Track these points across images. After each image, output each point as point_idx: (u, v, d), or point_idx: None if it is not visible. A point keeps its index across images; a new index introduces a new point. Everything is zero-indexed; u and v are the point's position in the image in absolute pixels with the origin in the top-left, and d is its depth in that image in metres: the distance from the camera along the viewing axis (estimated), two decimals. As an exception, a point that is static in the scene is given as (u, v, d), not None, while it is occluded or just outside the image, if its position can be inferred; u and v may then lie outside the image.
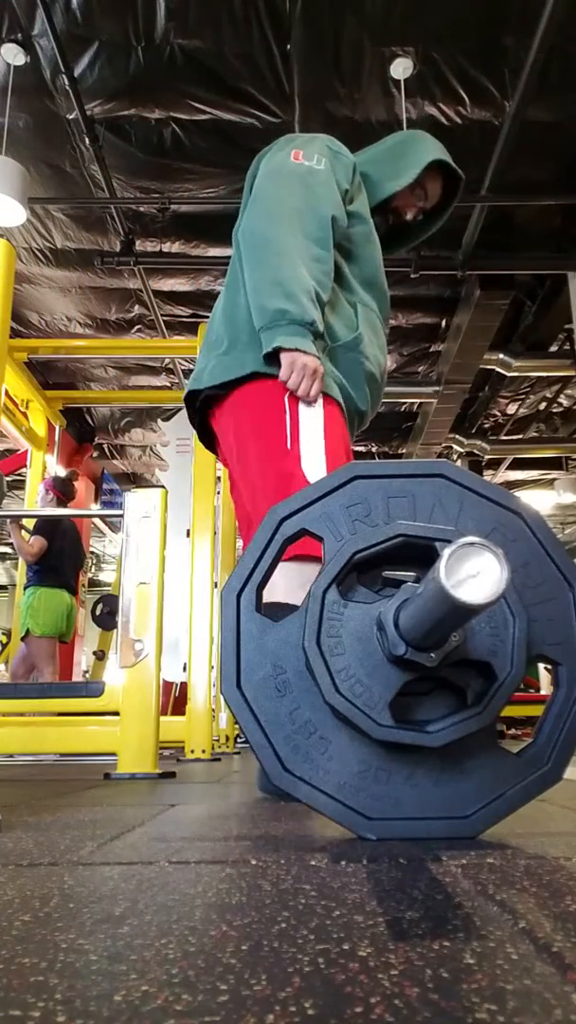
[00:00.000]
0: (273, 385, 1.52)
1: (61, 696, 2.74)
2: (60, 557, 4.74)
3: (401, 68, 3.78)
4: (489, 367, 6.55)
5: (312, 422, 1.50)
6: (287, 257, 1.48)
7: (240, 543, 7.94)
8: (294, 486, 1.33)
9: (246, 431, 1.56)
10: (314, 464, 1.46)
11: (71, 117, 4.12)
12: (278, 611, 0.91)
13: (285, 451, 1.48)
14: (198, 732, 3.30)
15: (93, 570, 12.92)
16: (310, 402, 1.50)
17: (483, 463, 8.75)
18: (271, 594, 1.30)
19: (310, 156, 1.59)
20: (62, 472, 5.38)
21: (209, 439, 1.76)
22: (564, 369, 6.41)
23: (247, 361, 1.55)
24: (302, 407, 1.51)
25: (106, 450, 8.81)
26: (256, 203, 1.58)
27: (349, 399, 1.64)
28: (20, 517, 4.92)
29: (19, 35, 3.66)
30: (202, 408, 1.68)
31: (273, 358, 1.49)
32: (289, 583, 1.33)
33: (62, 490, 4.89)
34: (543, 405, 7.73)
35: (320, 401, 1.52)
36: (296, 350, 1.45)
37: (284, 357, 1.47)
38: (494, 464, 9.03)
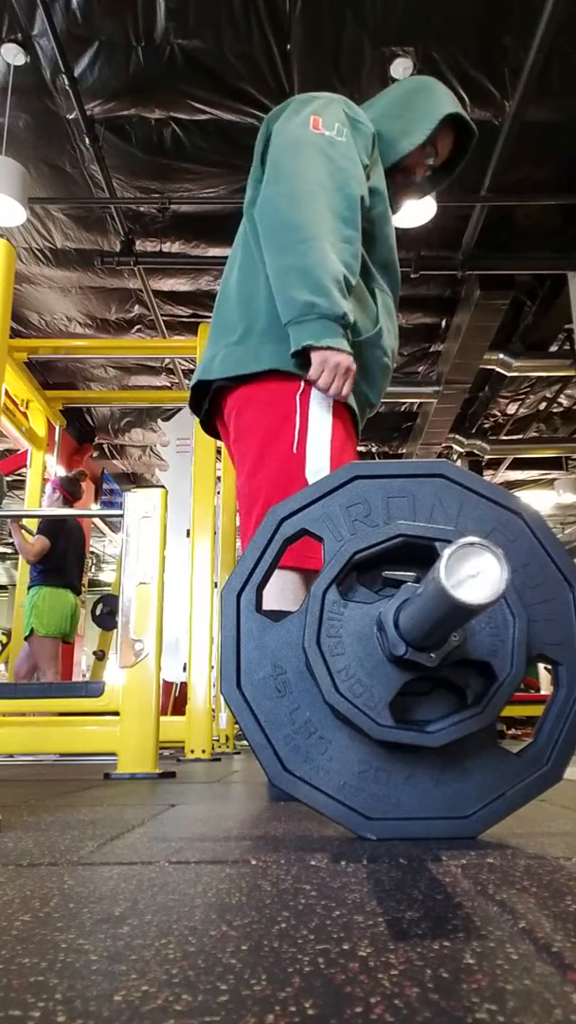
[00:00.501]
0: (286, 387, 1.48)
1: (61, 696, 2.74)
2: (64, 557, 4.74)
3: (401, 68, 3.78)
4: (489, 367, 6.55)
5: (321, 429, 1.47)
6: (315, 242, 1.38)
7: (241, 543, 7.92)
8: (293, 490, 1.32)
9: (253, 432, 1.51)
10: (318, 472, 1.43)
11: (71, 117, 4.12)
12: (275, 613, 0.91)
13: (290, 455, 1.45)
14: (198, 732, 3.30)
15: (93, 570, 12.92)
16: (342, 398, 1.46)
17: (483, 463, 8.75)
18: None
19: (330, 125, 1.48)
20: (63, 472, 5.39)
21: (213, 428, 1.71)
22: (564, 369, 6.40)
23: (263, 355, 1.48)
24: (312, 413, 1.47)
25: (106, 450, 8.81)
26: (277, 180, 1.45)
27: (364, 396, 1.60)
28: (20, 517, 4.92)
29: (19, 35, 3.66)
30: (213, 397, 1.61)
31: (301, 354, 1.42)
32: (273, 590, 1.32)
33: (70, 490, 4.89)
34: (543, 405, 7.73)
35: (331, 406, 1.48)
36: (328, 348, 1.38)
37: (315, 356, 1.39)
38: (494, 464, 9.03)
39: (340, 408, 1.52)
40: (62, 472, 5.35)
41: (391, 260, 1.65)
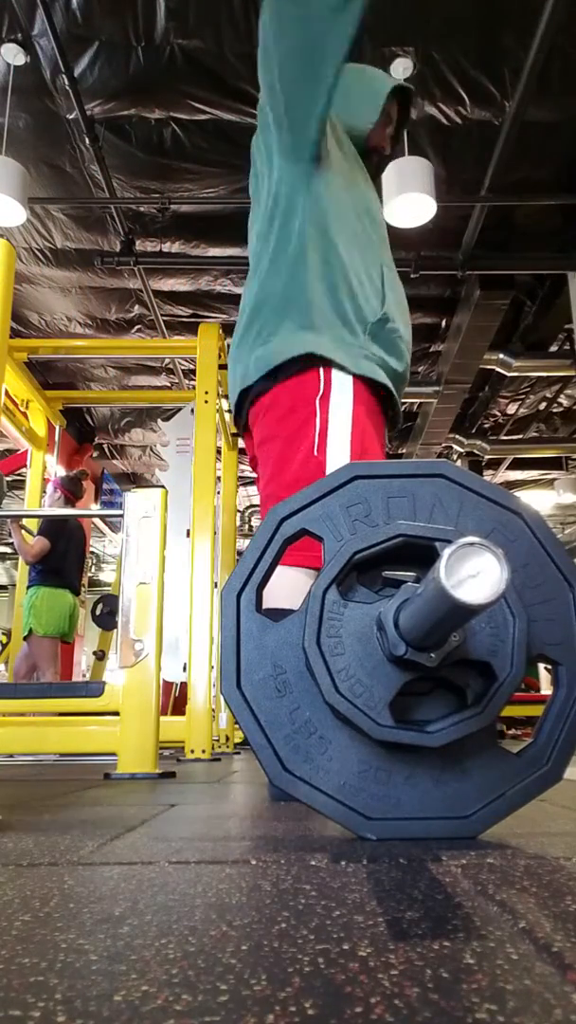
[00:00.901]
0: (307, 384, 1.49)
1: (61, 696, 2.74)
2: (64, 558, 4.74)
3: (401, 68, 3.78)
4: (489, 367, 6.55)
5: (341, 430, 1.47)
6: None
7: (240, 543, 7.90)
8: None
9: (275, 436, 1.52)
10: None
11: (71, 117, 4.12)
12: (277, 612, 0.91)
13: (310, 458, 1.46)
14: (198, 732, 3.30)
15: (93, 570, 12.92)
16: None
17: (483, 463, 8.75)
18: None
19: None
20: (63, 471, 5.39)
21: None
22: (564, 369, 6.41)
23: (282, 342, 1.50)
24: (332, 414, 1.47)
25: (106, 450, 8.81)
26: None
27: (392, 371, 1.60)
28: (20, 517, 4.91)
29: (19, 35, 3.66)
30: (242, 406, 1.64)
31: None
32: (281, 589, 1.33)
33: (71, 489, 4.89)
34: (543, 405, 7.73)
35: (352, 400, 1.49)
36: None
37: None
38: (494, 464, 9.03)
39: (363, 395, 1.52)
40: (62, 472, 5.35)
41: (383, 234, 1.69)
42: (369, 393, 1.56)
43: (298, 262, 1.54)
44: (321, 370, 1.51)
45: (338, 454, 1.46)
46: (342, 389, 1.51)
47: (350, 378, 1.52)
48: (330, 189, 1.56)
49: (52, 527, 4.67)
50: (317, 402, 1.49)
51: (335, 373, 1.51)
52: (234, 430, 5.23)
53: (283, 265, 1.55)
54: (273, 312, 1.55)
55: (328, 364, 1.50)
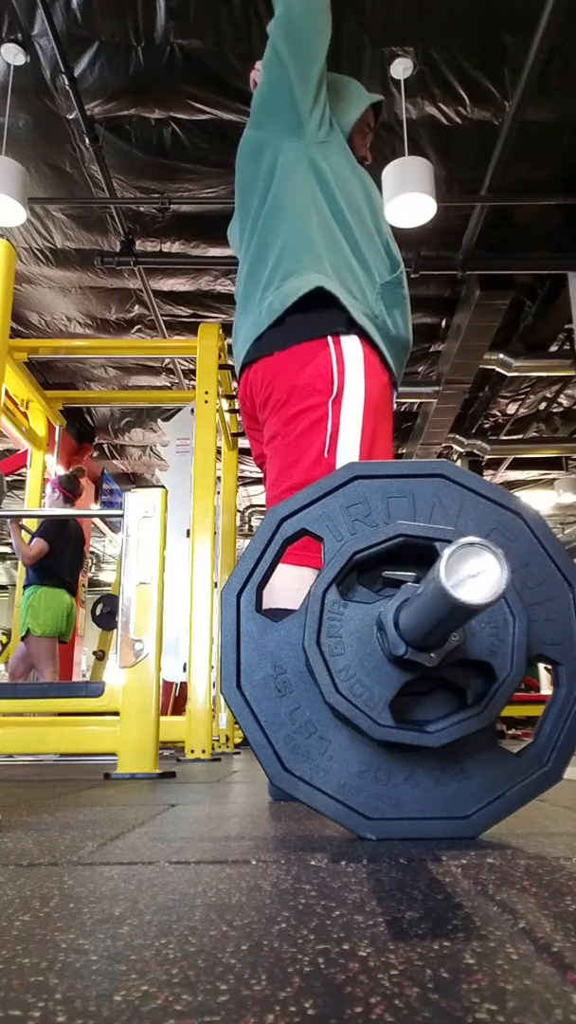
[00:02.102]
0: (315, 356, 1.50)
1: (61, 696, 2.74)
2: (61, 557, 4.74)
3: (401, 68, 3.78)
4: (489, 367, 6.55)
5: (352, 431, 1.48)
6: None
7: (240, 543, 7.90)
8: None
9: (285, 434, 1.51)
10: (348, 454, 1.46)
11: (71, 117, 4.12)
12: (278, 612, 0.91)
13: (320, 460, 1.46)
14: (198, 732, 3.30)
15: (93, 570, 12.92)
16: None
17: (483, 463, 8.75)
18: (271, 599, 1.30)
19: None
20: (62, 471, 5.39)
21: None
22: (564, 369, 6.41)
23: (278, 299, 1.52)
24: (344, 412, 1.48)
25: (106, 450, 8.81)
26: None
27: (396, 336, 1.62)
28: (20, 517, 4.91)
29: (19, 35, 3.66)
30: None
31: None
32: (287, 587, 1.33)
33: (69, 488, 4.89)
34: (543, 405, 7.73)
35: (362, 388, 1.50)
36: None
37: None
38: (494, 464, 9.03)
39: (375, 366, 1.53)
40: (62, 472, 5.35)
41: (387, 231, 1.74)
42: (380, 364, 1.56)
43: (303, 216, 1.58)
44: (330, 338, 1.51)
45: (348, 457, 1.46)
46: (354, 364, 1.50)
47: (360, 349, 1.52)
48: (332, 161, 1.63)
49: (50, 528, 4.67)
50: (330, 405, 1.48)
51: (344, 341, 1.51)
52: (234, 430, 5.23)
53: (286, 220, 1.59)
54: (278, 261, 1.57)
55: (335, 331, 1.51)
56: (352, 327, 1.52)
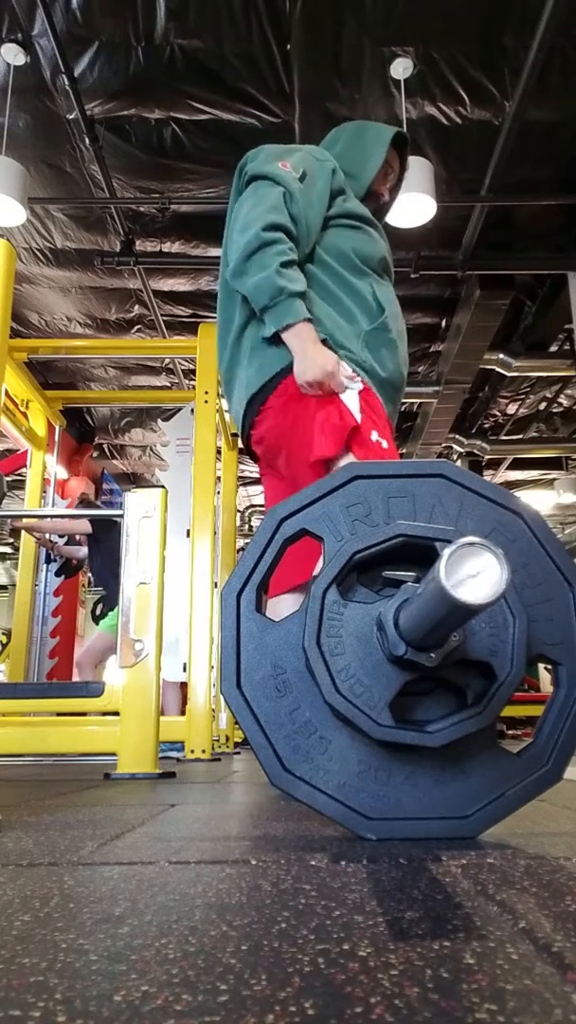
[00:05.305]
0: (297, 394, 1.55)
1: (61, 696, 2.74)
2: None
3: (401, 68, 3.78)
4: (489, 367, 6.55)
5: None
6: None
7: (240, 542, 7.91)
8: None
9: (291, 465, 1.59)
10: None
11: (71, 117, 4.12)
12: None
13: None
14: (198, 732, 3.30)
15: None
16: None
17: (483, 463, 8.75)
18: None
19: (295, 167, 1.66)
20: (63, 472, 5.40)
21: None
22: (564, 369, 6.40)
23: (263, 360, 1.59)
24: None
25: (106, 450, 8.80)
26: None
27: (390, 378, 1.66)
28: (20, 517, 4.92)
29: (19, 35, 3.66)
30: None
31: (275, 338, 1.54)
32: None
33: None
34: (543, 405, 7.73)
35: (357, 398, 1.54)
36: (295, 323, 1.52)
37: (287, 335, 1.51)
38: (494, 464, 9.03)
39: (371, 399, 1.58)
40: (63, 473, 5.36)
41: (387, 266, 1.79)
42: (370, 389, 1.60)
43: None
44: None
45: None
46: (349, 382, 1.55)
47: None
48: (324, 244, 1.67)
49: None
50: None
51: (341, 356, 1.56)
52: (234, 430, 5.23)
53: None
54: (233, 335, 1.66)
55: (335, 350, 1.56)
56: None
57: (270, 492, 1.80)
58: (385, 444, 1.55)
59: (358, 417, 1.51)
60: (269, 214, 1.53)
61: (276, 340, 1.54)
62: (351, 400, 1.53)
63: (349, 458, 1.50)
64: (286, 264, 1.52)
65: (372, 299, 1.66)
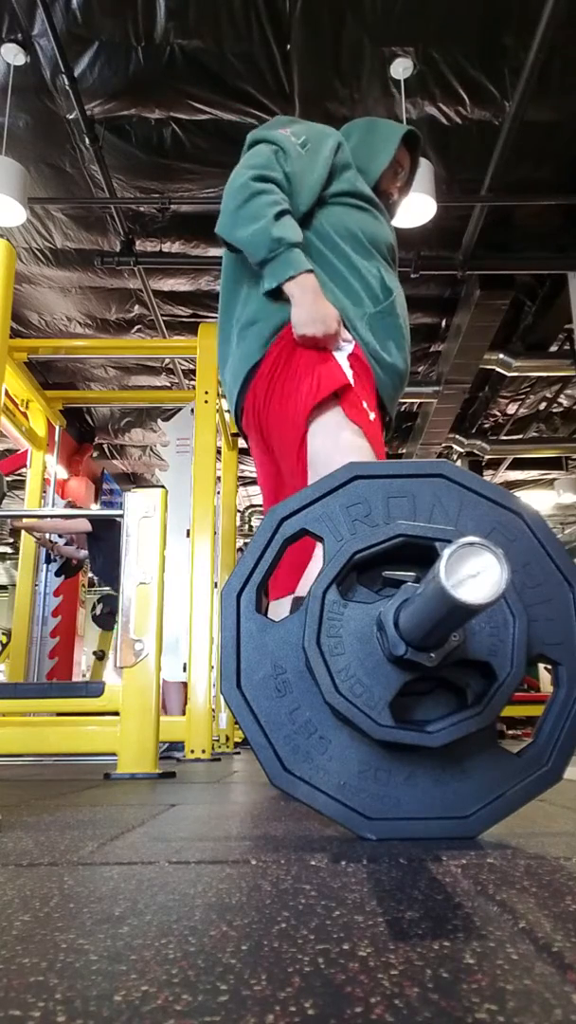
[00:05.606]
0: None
1: (61, 696, 2.74)
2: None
3: (401, 68, 3.78)
4: (489, 367, 6.55)
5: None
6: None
7: (240, 542, 7.88)
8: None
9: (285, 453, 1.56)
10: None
11: (71, 117, 4.12)
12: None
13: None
14: (198, 732, 3.30)
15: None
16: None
17: (483, 463, 8.75)
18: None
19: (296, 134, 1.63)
20: (63, 472, 5.40)
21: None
22: (564, 369, 6.40)
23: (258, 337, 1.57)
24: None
25: (106, 450, 8.80)
26: None
27: (391, 365, 1.62)
28: (20, 517, 4.92)
29: (19, 35, 3.66)
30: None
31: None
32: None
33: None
34: (543, 405, 7.73)
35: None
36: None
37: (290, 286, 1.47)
38: (494, 464, 9.03)
39: (361, 366, 1.55)
40: (63, 473, 5.36)
41: (395, 254, 1.74)
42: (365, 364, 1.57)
43: None
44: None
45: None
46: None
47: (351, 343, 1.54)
48: (330, 220, 1.62)
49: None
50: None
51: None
52: (234, 430, 5.23)
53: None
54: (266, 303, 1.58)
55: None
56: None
57: (260, 471, 1.75)
58: (372, 416, 1.51)
59: (350, 377, 1.48)
60: (259, 168, 1.50)
61: (276, 295, 1.50)
62: (341, 360, 1.50)
63: (337, 413, 1.46)
64: (281, 214, 1.47)
65: (379, 282, 1.62)
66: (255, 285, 1.59)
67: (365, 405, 1.50)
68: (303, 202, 1.57)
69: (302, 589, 1.47)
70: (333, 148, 1.62)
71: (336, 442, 1.45)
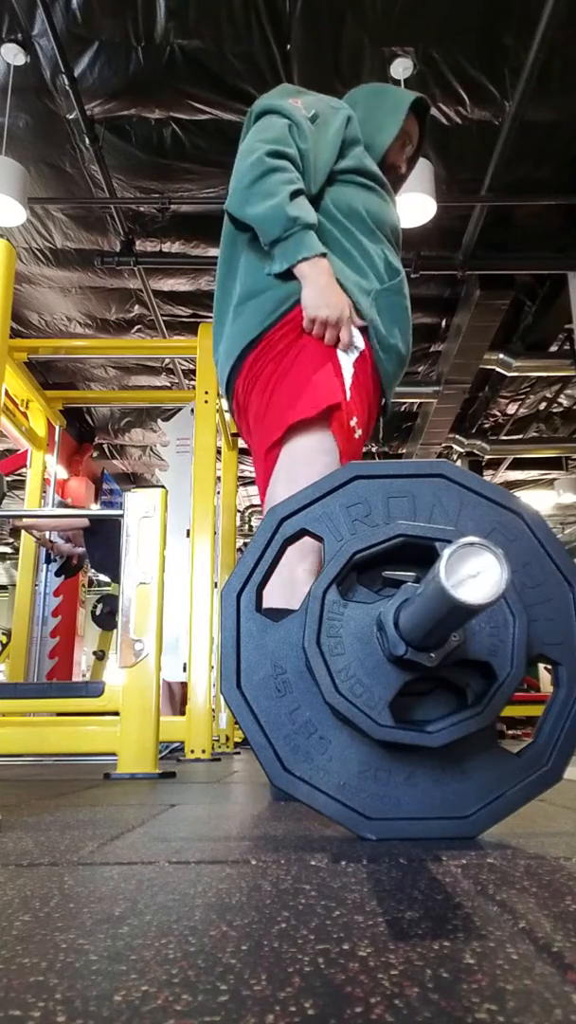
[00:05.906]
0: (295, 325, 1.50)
1: (61, 696, 2.74)
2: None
3: (401, 68, 3.78)
4: (489, 367, 6.55)
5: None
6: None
7: (240, 542, 7.88)
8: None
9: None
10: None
11: (71, 117, 4.12)
12: (278, 611, 0.91)
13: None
14: (198, 732, 3.30)
15: (93, 570, 12.89)
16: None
17: (483, 463, 8.75)
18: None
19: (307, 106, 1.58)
20: (63, 472, 5.40)
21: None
22: (564, 369, 6.40)
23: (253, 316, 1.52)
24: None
25: (106, 450, 8.80)
26: None
27: (393, 346, 1.58)
28: (20, 517, 4.92)
29: (19, 35, 3.66)
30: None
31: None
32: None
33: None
34: (543, 405, 7.73)
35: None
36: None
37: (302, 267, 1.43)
38: (494, 464, 9.03)
39: (363, 373, 1.51)
40: (63, 473, 5.36)
41: (399, 237, 1.72)
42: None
43: None
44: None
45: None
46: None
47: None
48: (333, 196, 1.58)
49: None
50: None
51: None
52: (234, 430, 5.24)
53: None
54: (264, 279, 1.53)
55: None
56: None
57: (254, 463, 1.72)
58: (358, 434, 1.46)
59: (348, 389, 1.44)
60: (274, 143, 1.43)
61: (285, 276, 1.44)
62: (346, 365, 1.45)
63: (321, 431, 1.41)
64: (296, 193, 1.41)
65: (384, 263, 1.58)
66: (257, 259, 1.53)
67: (354, 422, 1.45)
68: (315, 183, 1.51)
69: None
70: (343, 123, 1.56)
71: (309, 461, 1.41)
